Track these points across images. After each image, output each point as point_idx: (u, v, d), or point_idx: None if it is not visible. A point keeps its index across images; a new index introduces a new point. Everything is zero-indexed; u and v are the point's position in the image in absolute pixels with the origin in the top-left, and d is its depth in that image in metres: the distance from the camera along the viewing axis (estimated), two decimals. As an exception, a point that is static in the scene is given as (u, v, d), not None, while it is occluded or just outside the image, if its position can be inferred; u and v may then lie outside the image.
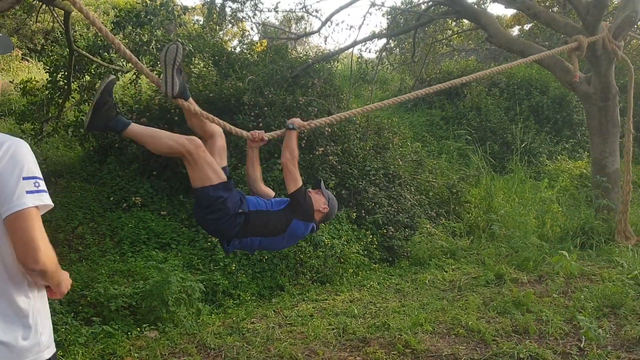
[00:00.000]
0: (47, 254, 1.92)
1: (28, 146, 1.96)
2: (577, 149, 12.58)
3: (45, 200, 1.94)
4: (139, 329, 5.08)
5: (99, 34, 8.37)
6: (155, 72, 8.63)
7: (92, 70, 8.57)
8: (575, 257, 6.23)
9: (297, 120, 3.55)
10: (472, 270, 6.52)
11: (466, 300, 5.50)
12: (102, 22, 9.04)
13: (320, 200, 3.55)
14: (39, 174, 1.95)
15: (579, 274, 5.96)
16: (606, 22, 7.33)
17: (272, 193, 3.65)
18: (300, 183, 3.39)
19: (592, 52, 6.94)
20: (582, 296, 5.27)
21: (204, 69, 9.35)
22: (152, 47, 8.15)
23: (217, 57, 9.39)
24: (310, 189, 3.63)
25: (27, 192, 1.88)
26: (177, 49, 3.13)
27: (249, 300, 5.95)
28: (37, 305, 2.03)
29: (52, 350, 2.09)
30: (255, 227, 3.31)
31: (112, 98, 3.08)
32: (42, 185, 1.94)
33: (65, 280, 2.11)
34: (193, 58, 9.03)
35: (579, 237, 7.05)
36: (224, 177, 3.24)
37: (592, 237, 7.00)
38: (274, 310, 5.62)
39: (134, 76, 9.04)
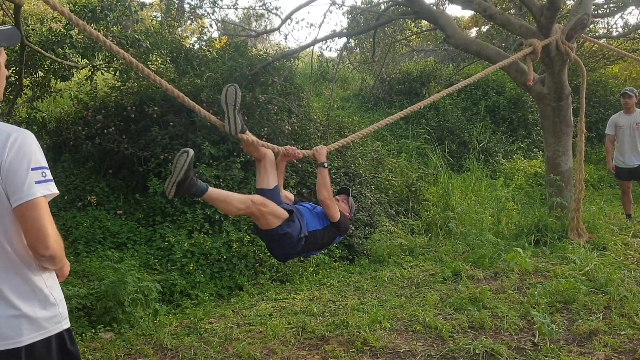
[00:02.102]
0: (56, 240, 2.07)
1: (34, 136, 2.09)
2: (532, 148, 12.89)
3: (52, 189, 2.08)
4: (93, 330, 4.97)
5: (53, 29, 8.17)
6: (111, 68, 8.47)
7: (46, 66, 8.33)
8: (529, 253, 6.37)
9: (323, 152, 4.09)
10: (430, 267, 6.60)
11: (424, 297, 5.56)
12: (55, 18, 8.70)
13: (345, 210, 4.22)
14: (45, 163, 2.08)
15: (533, 270, 6.10)
16: (560, 25, 7.52)
17: (291, 196, 4.24)
18: (339, 214, 4.05)
19: (546, 53, 7.11)
20: (536, 292, 5.39)
21: (162, 66, 9.20)
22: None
23: (175, 54, 9.25)
24: (337, 196, 4.31)
25: (36, 182, 2.02)
26: (235, 91, 3.53)
27: (207, 300, 5.89)
28: (48, 282, 2.19)
29: (68, 323, 2.24)
30: (315, 244, 4.00)
31: (194, 171, 3.45)
32: (49, 175, 2.08)
33: (66, 263, 2.30)
34: (151, 54, 8.87)
35: (533, 235, 7.20)
36: (285, 215, 3.77)
37: (545, 235, 7.16)
38: (232, 310, 5.57)
39: (90, 72, 8.83)
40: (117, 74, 8.40)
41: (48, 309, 2.16)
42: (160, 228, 6.81)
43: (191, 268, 6.15)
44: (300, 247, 3.87)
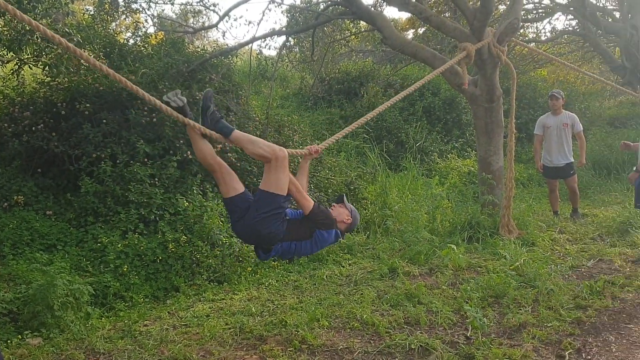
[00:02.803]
0: None
1: None
2: (466, 148, 13.25)
3: None
4: (20, 336, 4.76)
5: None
6: (40, 62, 8.11)
7: (-32, 60, 7.90)
8: (462, 250, 6.56)
9: (312, 148, 4.09)
10: (368, 265, 6.69)
11: (361, 294, 5.63)
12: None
13: (344, 213, 4.11)
14: None
15: (466, 266, 6.29)
16: (492, 28, 7.76)
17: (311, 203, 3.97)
18: (311, 202, 3.88)
19: (479, 56, 7.32)
20: (469, 287, 5.56)
21: (95, 61, 8.89)
22: (37, 37, 7.61)
23: (108, 49, 8.96)
24: (334, 204, 4.21)
25: None
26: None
27: (142, 303, 5.74)
28: None
29: None
30: (292, 232, 3.79)
31: (213, 104, 3.76)
32: None
33: None
34: (82, 49, 8.55)
35: (467, 231, 7.42)
36: (286, 190, 3.66)
37: (478, 231, 7.39)
38: (168, 312, 5.46)
39: (16, 66, 8.43)
40: (47, 68, 8.05)
41: None
42: (93, 229, 6.59)
43: (125, 270, 5.98)
44: (283, 231, 3.70)
